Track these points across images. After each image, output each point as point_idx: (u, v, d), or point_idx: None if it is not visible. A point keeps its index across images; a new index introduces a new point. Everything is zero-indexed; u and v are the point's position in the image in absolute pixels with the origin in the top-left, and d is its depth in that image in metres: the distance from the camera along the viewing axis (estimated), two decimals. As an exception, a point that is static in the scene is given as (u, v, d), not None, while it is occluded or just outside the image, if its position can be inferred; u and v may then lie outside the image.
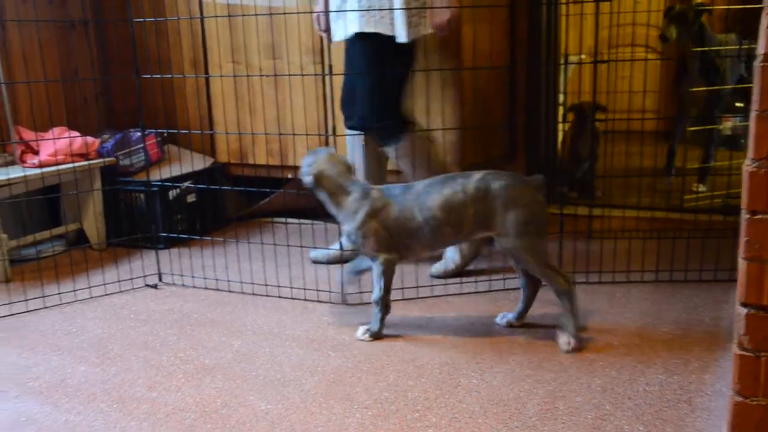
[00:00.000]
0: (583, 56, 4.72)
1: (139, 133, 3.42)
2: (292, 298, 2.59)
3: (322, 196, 2.24)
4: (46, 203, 3.39)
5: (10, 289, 2.77)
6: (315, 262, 2.97)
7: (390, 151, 2.70)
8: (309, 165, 2.22)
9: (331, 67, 2.37)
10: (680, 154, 3.81)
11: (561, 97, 3.97)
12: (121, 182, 3.31)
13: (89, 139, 3.25)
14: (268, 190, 2.95)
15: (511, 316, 2.28)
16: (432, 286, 2.62)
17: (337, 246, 2.91)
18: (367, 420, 1.74)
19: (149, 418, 1.78)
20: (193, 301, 2.60)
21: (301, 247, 2.83)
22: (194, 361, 2.11)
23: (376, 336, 2.22)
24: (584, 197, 3.61)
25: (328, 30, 2.75)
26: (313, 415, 1.77)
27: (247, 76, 3.34)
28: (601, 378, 1.91)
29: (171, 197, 3.30)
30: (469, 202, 2.08)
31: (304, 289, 2.64)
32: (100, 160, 3.22)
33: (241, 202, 3.76)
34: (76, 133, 3.25)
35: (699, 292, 2.49)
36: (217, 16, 2.95)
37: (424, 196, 2.13)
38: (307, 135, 3.27)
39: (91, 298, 2.67)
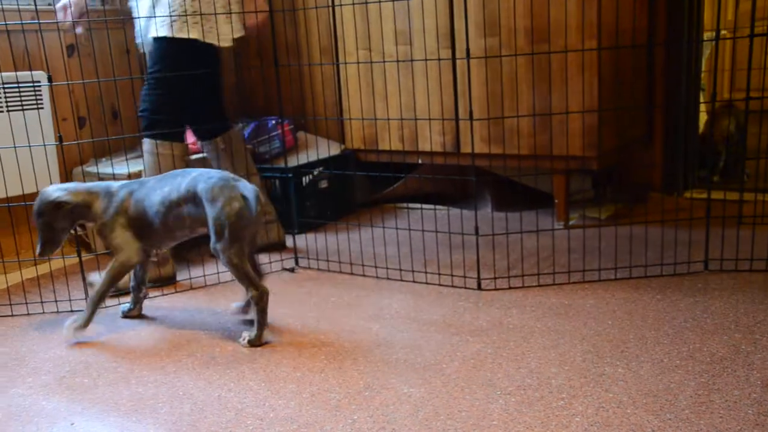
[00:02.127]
0: (723, 32, 4.46)
1: (274, 121, 3.53)
2: (427, 283, 2.60)
3: (74, 216, 2.27)
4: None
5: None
6: None
7: (204, 145, 2.91)
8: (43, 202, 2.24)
9: (468, 50, 2.34)
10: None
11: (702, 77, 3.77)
12: (257, 169, 3.42)
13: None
14: (401, 175, 2.97)
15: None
16: (570, 272, 2.56)
17: None
18: (511, 406, 1.72)
19: (296, 398, 1.83)
20: (330, 285, 2.66)
21: (436, 232, 2.83)
22: (335, 343, 2.15)
23: (79, 329, 2.28)
24: (727, 181, 3.42)
25: (76, 23, 2.79)
26: (456, 400, 1.77)
27: (391, 61, 3.36)
28: (760, 371, 1.80)
29: (304, 183, 3.38)
30: (182, 201, 2.19)
31: (439, 274, 2.65)
32: (239, 147, 3.34)
33: (370, 188, 3.80)
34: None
35: None
36: (353, 3, 3.00)
37: (152, 192, 2.24)
38: (442, 120, 3.26)
39: (233, 280, 2.78)
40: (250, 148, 3.38)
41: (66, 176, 3.00)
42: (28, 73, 2.81)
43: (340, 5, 3.41)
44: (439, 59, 2.76)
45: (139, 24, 2.75)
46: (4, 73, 2.78)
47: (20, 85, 2.78)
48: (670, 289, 2.38)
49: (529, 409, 1.70)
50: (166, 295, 2.67)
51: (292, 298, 2.55)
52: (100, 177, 3.00)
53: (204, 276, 2.81)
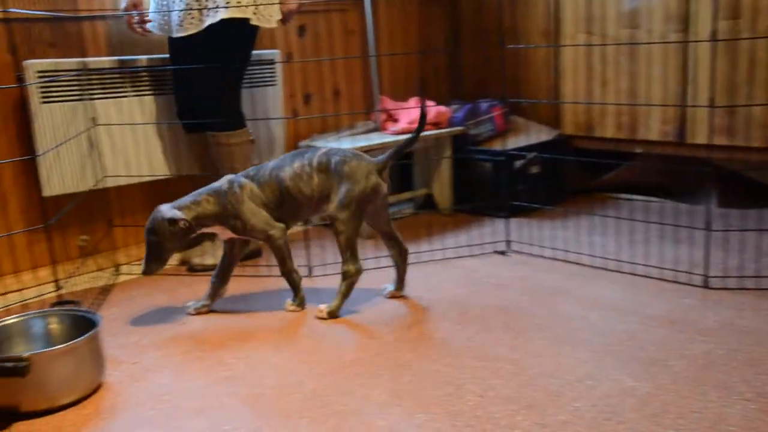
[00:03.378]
0: None
1: (487, 104, 3.52)
2: (647, 276, 2.48)
3: (209, 225, 2.28)
4: (399, 168, 3.65)
5: (375, 245, 3.04)
6: None
7: (211, 136, 2.70)
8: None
9: (716, 32, 2.19)
10: None
11: None
12: (469, 151, 3.43)
13: (442, 108, 3.42)
14: (617, 162, 2.85)
15: (391, 287, 2.44)
16: (812, 276, 2.33)
17: None
18: (751, 413, 1.59)
19: (515, 379, 1.82)
20: (544, 271, 2.62)
21: (661, 224, 2.69)
22: (551, 328, 2.11)
23: (296, 310, 2.37)
24: None
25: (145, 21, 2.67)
26: (686, 400, 1.67)
27: (614, 44, 3.24)
28: None
29: (516, 167, 3.34)
30: (314, 174, 2.24)
31: (661, 267, 2.51)
32: (452, 129, 3.37)
33: (582, 175, 3.69)
34: (432, 103, 3.44)
35: None
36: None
37: (278, 171, 2.27)
38: (672, 106, 3.09)
39: (444, 259, 2.82)
40: (463, 129, 3.40)
41: (293, 149, 3.17)
42: (267, 51, 3.01)
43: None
44: (677, 42, 2.60)
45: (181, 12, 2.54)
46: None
47: (260, 63, 2.99)
48: None
49: (772, 419, 1.57)
50: (381, 268, 2.76)
51: (505, 281, 2.54)
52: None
53: (425, 252, 2.87)
